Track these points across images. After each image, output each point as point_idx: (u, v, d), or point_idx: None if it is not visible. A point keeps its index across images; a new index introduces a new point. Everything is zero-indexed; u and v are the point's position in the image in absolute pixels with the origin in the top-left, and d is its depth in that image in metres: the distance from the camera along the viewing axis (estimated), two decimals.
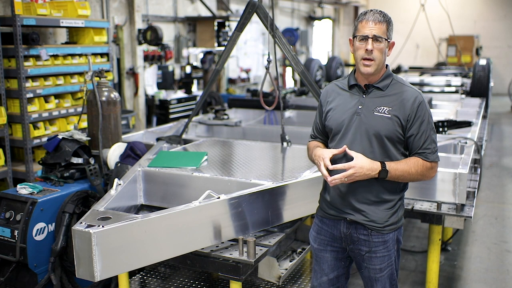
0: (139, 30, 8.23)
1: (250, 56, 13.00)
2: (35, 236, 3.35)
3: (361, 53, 2.37)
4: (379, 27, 2.34)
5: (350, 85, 2.50)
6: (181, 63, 9.66)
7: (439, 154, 2.52)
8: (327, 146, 2.60)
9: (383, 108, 2.38)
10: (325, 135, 2.63)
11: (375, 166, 2.32)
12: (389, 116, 2.37)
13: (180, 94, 9.22)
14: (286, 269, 3.05)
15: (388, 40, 2.37)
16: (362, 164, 2.30)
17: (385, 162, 2.34)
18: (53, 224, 3.46)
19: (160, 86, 8.92)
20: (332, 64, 9.89)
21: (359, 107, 2.43)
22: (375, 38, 2.33)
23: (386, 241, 2.47)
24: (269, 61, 4.18)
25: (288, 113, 5.86)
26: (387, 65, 2.51)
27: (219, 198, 2.70)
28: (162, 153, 3.65)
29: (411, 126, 2.38)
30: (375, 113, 2.39)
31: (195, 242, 2.66)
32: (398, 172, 2.35)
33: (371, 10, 2.40)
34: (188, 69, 9.68)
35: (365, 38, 2.35)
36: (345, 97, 2.51)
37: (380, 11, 2.39)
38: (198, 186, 3.13)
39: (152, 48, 8.66)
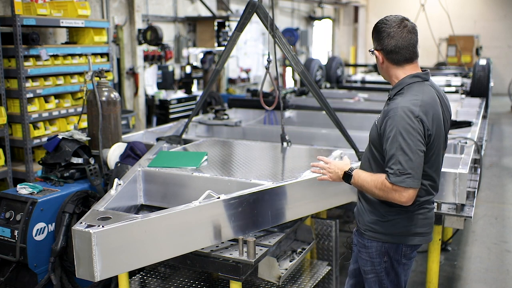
0: (139, 30, 8.23)
1: (250, 56, 12.99)
2: (35, 236, 3.35)
3: None
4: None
5: None
6: (181, 63, 9.66)
7: None
8: None
9: (378, 116, 2.44)
10: None
11: (345, 168, 2.42)
12: (376, 124, 2.42)
13: (180, 94, 9.21)
14: (286, 269, 3.05)
15: (373, 50, 2.44)
16: (336, 163, 2.48)
17: (356, 169, 2.41)
18: (53, 224, 3.46)
19: (160, 86, 8.92)
20: (332, 64, 9.88)
21: None
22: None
23: (367, 246, 2.45)
24: (269, 61, 4.18)
25: (288, 113, 5.86)
26: (409, 76, 2.41)
27: (219, 198, 2.70)
28: (162, 153, 3.65)
29: (383, 140, 2.29)
30: (375, 120, 2.47)
31: (195, 242, 2.66)
32: (360, 180, 2.35)
33: None
34: (188, 69, 9.67)
35: None
36: None
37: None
38: (198, 186, 3.13)
39: (152, 48, 8.65)
